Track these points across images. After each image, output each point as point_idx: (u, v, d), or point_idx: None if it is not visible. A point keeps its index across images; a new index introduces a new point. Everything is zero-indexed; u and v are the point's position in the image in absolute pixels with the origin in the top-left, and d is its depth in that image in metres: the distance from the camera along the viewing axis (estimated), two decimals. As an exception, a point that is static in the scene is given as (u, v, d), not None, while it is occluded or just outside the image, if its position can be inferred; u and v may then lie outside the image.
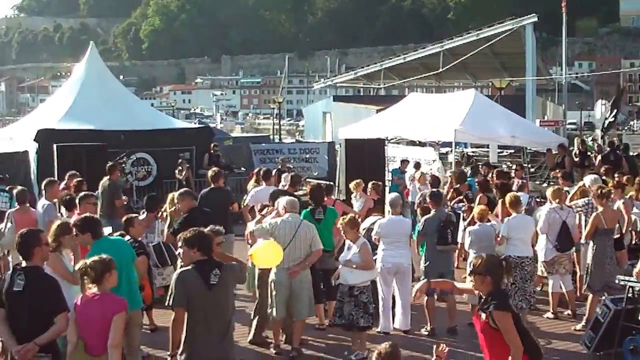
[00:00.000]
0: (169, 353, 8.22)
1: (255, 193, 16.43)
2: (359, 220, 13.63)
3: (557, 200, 14.44)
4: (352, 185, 18.11)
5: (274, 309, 12.05)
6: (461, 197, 17.73)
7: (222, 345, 8.05)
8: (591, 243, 13.87)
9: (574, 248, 14.77)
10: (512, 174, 21.11)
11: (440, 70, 55.77)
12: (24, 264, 8.11)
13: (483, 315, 7.57)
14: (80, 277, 7.84)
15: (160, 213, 14.85)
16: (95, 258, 7.87)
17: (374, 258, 13.37)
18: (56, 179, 17.93)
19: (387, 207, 14.73)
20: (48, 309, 7.82)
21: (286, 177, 16.97)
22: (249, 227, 13.23)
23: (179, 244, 8.61)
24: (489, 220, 14.15)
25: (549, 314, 14.51)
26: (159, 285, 13.81)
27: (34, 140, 24.95)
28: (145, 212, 13.88)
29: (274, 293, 12.00)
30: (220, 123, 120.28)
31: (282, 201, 12.45)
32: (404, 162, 25.73)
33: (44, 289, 7.90)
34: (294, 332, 12.27)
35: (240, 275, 8.82)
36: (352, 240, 12.17)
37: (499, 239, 13.78)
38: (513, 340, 7.36)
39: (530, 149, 30.36)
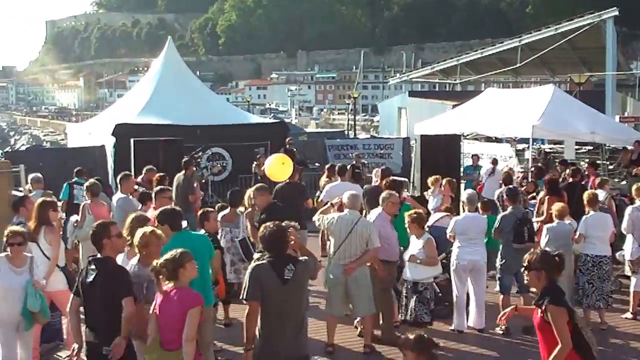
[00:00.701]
0: (243, 348, 8.17)
1: (330, 189, 16.38)
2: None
3: (640, 198, 14.15)
4: (430, 180, 17.92)
5: (330, 306, 12.04)
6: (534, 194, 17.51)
7: (296, 340, 7.99)
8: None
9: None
10: (585, 172, 20.73)
11: (518, 65, 54.97)
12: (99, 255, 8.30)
13: (539, 311, 7.50)
14: (155, 276, 7.87)
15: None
16: (168, 256, 7.88)
17: (447, 255, 13.30)
18: (132, 172, 18.17)
19: (462, 204, 14.48)
20: (117, 298, 7.92)
21: (377, 172, 16.91)
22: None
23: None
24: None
25: (628, 314, 14.19)
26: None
27: (112, 134, 25.29)
28: (229, 207, 13.86)
29: (329, 290, 11.99)
30: (295, 118, 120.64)
31: (344, 197, 12.40)
32: (475, 156, 25.46)
33: (113, 279, 8.01)
34: (364, 329, 12.21)
35: (314, 270, 8.75)
36: (417, 235, 12.14)
37: (576, 237, 13.53)
38: (563, 335, 7.25)
39: (609, 146, 29.75)
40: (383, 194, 12.83)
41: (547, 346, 7.47)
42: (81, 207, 15.15)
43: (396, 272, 12.77)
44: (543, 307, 7.37)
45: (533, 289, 8.77)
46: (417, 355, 6.53)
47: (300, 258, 8.37)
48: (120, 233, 8.60)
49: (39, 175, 16.99)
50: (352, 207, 12.08)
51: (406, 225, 12.37)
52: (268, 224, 8.23)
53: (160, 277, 7.81)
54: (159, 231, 8.93)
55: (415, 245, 12.11)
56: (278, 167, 14.85)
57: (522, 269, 7.71)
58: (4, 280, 9.49)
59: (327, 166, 20.40)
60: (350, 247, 11.69)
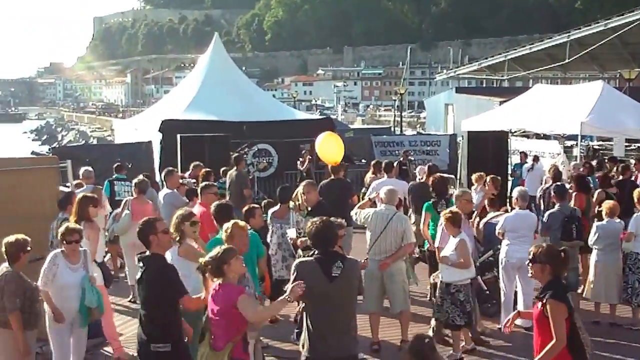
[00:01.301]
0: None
1: (376, 185, 16.29)
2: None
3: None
4: (474, 177, 17.77)
5: (366, 302, 11.96)
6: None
7: (345, 340, 7.78)
8: None
9: None
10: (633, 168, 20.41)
11: (567, 61, 54.45)
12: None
13: (539, 304, 7.44)
14: (202, 274, 7.83)
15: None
16: (212, 254, 7.80)
17: (495, 252, 13.16)
18: (179, 168, 18.24)
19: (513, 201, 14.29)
20: (164, 296, 7.94)
21: (421, 170, 16.82)
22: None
23: None
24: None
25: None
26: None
27: (159, 130, 25.45)
28: (279, 204, 13.86)
29: (365, 285, 11.88)
30: (341, 114, 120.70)
31: (382, 191, 12.33)
32: (523, 154, 25.28)
33: (160, 278, 8.01)
34: (401, 324, 12.14)
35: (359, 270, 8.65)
36: (452, 235, 11.77)
37: (626, 235, 13.32)
38: (558, 331, 7.19)
39: (659, 143, 29.38)
40: (456, 192, 12.48)
41: (541, 340, 7.41)
42: (123, 202, 15.28)
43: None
44: (544, 301, 7.31)
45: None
46: (410, 357, 6.66)
47: (349, 256, 8.24)
48: (167, 229, 8.56)
49: (90, 169, 17.07)
50: (389, 202, 12.03)
51: (442, 224, 12.14)
52: (315, 219, 8.02)
53: (207, 276, 7.75)
54: (241, 222, 8.99)
55: (450, 246, 11.93)
56: (329, 145, 14.94)
57: (527, 261, 7.65)
58: (62, 276, 9.49)
59: (372, 162, 20.29)
60: (385, 242, 11.67)
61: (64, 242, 9.63)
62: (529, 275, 7.81)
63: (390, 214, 11.83)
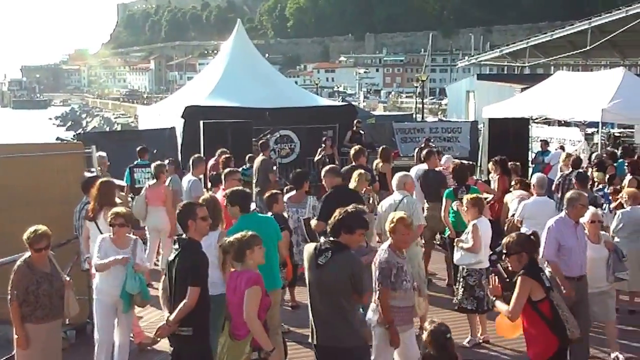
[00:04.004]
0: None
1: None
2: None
3: None
4: (490, 165, 17.79)
5: None
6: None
7: (330, 330, 7.71)
8: None
9: None
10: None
11: (588, 47, 54.21)
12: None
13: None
14: (223, 254, 7.84)
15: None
16: (238, 235, 7.86)
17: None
18: (202, 154, 18.39)
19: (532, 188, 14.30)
20: (187, 281, 7.91)
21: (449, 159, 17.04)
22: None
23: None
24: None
25: None
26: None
27: (181, 116, 25.57)
28: (294, 189, 13.93)
29: None
30: (363, 101, 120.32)
31: (394, 179, 12.48)
32: (544, 142, 25.26)
33: (189, 260, 7.95)
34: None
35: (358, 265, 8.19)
36: (471, 219, 11.81)
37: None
38: (516, 303, 7.40)
39: (680, 130, 29.21)
40: (571, 194, 10.63)
41: (527, 323, 7.61)
42: (144, 188, 15.58)
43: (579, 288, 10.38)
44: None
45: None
46: (430, 341, 6.95)
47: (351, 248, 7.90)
48: (207, 216, 8.44)
49: (103, 154, 17.30)
50: (398, 188, 12.19)
51: (465, 208, 12.08)
52: (342, 209, 7.97)
53: (227, 256, 7.80)
54: (408, 219, 8.84)
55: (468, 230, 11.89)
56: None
57: (501, 255, 7.75)
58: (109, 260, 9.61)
59: (380, 149, 19.81)
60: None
61: (111, 225, 9.78)
62: (508, 267, 7.92)
63: (399, 199, 11.97)
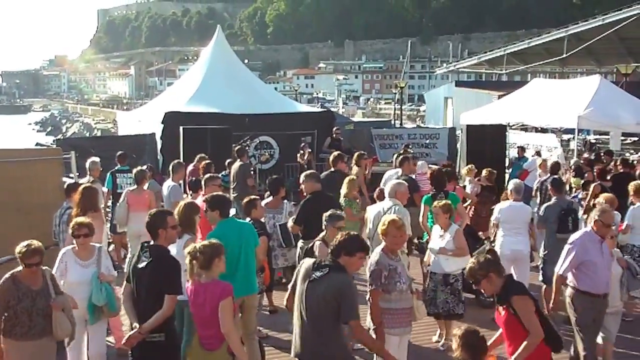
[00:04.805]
0: None
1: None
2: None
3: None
4: (464, 170, 17.96)
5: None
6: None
7: (309, 345, 7.48)
8: None
9: None
10: (635, 163, 20.62)
11: (565, 55, 54.75)
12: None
13: (502, 311, 7.42)
14: (190, 261, 7.64)
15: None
16: (206, 243, 7.80)
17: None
18: (182, 160, 18.43)
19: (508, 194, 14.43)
20: (163, 290, 7.81)
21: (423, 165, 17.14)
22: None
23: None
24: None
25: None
26: (281, 267, 13.89)
27: (161, 122, 25.60)
28: (270, 195, 13.99)
29: None
30: (342, 107, 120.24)
31: (387, 187, 12.53)
32: (520, 149, 25.50)
33: (163, 269, 7.85)
34: None
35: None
36: (443, 226, 11.81)
37: (622, 227, 13.50)
38: (533, 324, 7.16)
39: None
40: (597, 210, 10.13)
41: (514, 345, 7.35)
42: (123, 193, 15.56)
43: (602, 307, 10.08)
44: (509, 301, 7.28)
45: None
46: (461, 351, 6.68)
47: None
48: (176, 225, 8.43)
49: (96, 159, 17.23)
50: (390, 196, 12.20)
51: (435, 214, 12.09)
52: (344, 233, 7.73)
53: (194, 263, 7.61)
54: (399, 221, 8.87)
55: (439, 236, 11.86)
56: None
57: (467, 286, 7.59)
58: (71, 274, 9.34)
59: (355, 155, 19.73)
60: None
61: (74, 236, 9.45)
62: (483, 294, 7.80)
63: (387, 207, 11.94)
